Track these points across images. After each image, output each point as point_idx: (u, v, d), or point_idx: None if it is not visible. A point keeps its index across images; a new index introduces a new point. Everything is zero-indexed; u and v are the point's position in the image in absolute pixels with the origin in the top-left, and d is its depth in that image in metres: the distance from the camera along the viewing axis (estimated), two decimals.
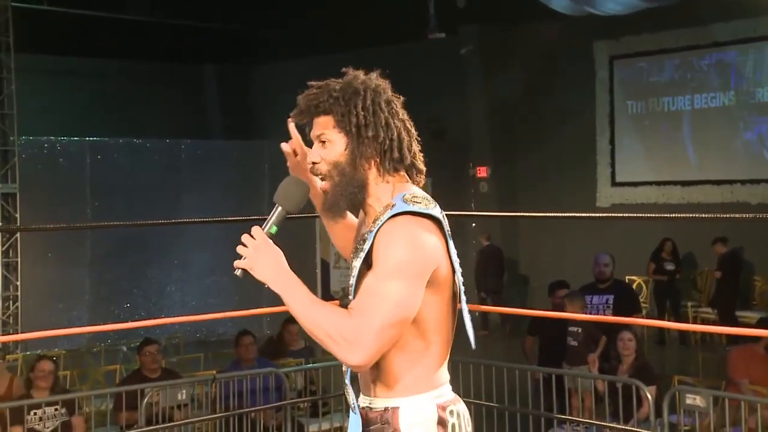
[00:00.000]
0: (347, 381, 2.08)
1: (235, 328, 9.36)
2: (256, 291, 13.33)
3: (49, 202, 11.20)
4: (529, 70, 12.93)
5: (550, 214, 9.48)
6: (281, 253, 1.96)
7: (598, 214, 10.97)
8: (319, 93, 2.02)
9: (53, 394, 5.91)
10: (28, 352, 9.74)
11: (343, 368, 2.05)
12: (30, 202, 11.18)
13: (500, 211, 11.86)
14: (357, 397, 2.07)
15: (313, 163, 2.03)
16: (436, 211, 1.98)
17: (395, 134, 2.00)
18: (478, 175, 13.35)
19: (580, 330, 6.64)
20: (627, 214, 10.61)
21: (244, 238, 1.95)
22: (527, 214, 10.80)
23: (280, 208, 2.00)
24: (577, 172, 12.67)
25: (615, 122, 12.67)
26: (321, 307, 1.92)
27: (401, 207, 1.94)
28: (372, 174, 2.01)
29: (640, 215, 9.88)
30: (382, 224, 1.93)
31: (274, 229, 1.99)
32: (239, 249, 1.96)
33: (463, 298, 2.07)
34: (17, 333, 10.60)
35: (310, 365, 6.66)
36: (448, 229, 2.01)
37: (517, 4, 11.25)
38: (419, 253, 1.90)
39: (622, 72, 12.62)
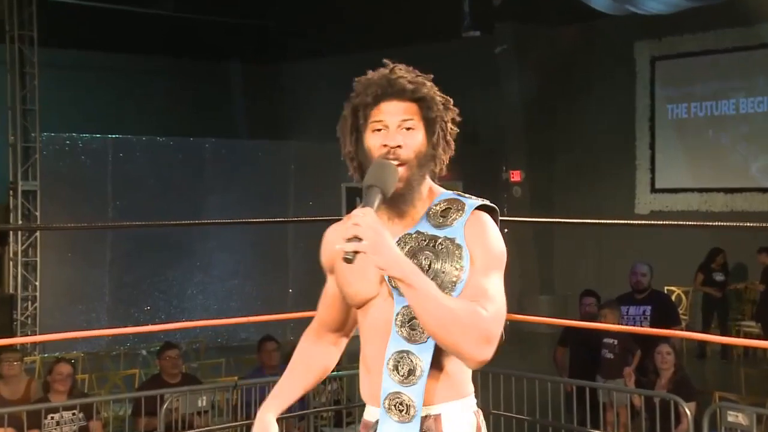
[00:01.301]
0: (402, 388, 1.96)
1: (257, 333, 9.40)
2: (280, 295, 13.41)
3: (69, 201, 11.32)
4: (566, 71, 12.87)
5: (586, 221, 9.41)
6: None
7: (636, 221, 10.89)
8: (418, 80, 2.04)
9: (71, 398, 5.96)
10: (46, 355, 9.84)
11: (392, 374, 1.96)
12: (51, 200, 11.31)
13: (534, 217, 11.79)
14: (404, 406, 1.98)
15: (397, 146, 1.99)
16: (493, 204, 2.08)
17: (452, 148, 2.09)
18: (512, 180, 13.30)
19: (615, 342, 6.61)
20: (667, 222, 10.54)
21: (356, 218, 1.85)
22: (562, 220, 10.75)
23: (377, 192, 1.93)
24: (615, 177, 12.59)
25: (656, 126, 12.59)
26: (452, 298, 1.90)
27: (473, 202, 2.02)
28: (426, 174, 2.06)
29: (681, 223, 9.82)
30: (467, 218, 1.98)
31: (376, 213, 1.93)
32: (352, 229, 1.82)
33: None
34: (35, 334, 10.72)
35: (335, 373, 6.67)
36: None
37: (555, 1, 11.22)
38: (504, 246, 2.01)
39: (664, 73, 12.53)
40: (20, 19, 11.40)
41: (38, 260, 11.35)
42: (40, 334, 10.66)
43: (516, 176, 13.30)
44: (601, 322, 6.63)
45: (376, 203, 1.91)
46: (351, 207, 13.45)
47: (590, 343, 6.77)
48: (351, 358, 1.94)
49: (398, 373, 1.97)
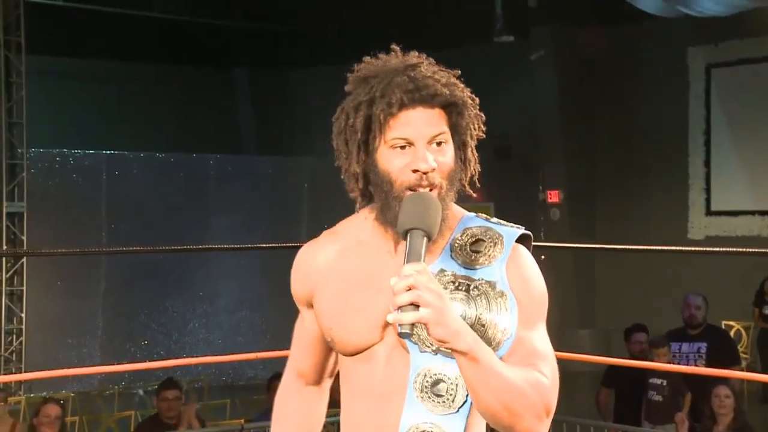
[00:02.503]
0: None
1: (267, 371, 9.41)
2: (292, 328, 13.29)
3: (59, 224, 11.41)
4: (610, 80, 12.87)
5: (632, 247, 9.39)
6: None
7: (689, 248, 10.82)
8: (449, 79, 1.84)
9: None
10: (32, 394, 9.89)
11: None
12: (38, 222, 11.39)
13: (574, 242, 11.76)
14: None
15: (431, 169, 1.77)
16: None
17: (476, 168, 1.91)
18: (549, 200, 13.27)
19: (665, 383, 6.58)
20: (724, 249, 10.45)
21: (411, 280, 1.59)
22: (606, 246, 10.73)
23: (422, 236, 1.69)
24: (666, 198, 12.54)
25: (711, 141, 12.53)
26: (511, 366, 1.71)
27: (509, 231, 1.82)
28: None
29: (741, 250, 9.71)
30: (507, 255, 1.78)
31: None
32: (412, 296, 1.59)
33: None
34: (20, 372, 10.77)
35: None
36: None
37: (597, 3, 11.23)
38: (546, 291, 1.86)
39: (721, 82, 12.49)
40: (5, 23, 11.48)
41: (24, 290, 11.41)
42: (25, 371, 10.72)
43: (554, 196, 13.26)
44: (651, 360, 6.60)
45: (423, 253, 1.67)
46: None
47: (639, 384, 6.74)
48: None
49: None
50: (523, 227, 1.86)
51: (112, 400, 9.49)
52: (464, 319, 1.72)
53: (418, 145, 1.77)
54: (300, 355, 2.05)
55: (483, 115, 1.89)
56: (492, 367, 1.65)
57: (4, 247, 11.18)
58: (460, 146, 1.83)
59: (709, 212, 12.50)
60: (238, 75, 16.32)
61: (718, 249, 10.44)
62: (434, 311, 1.59)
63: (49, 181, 11.78)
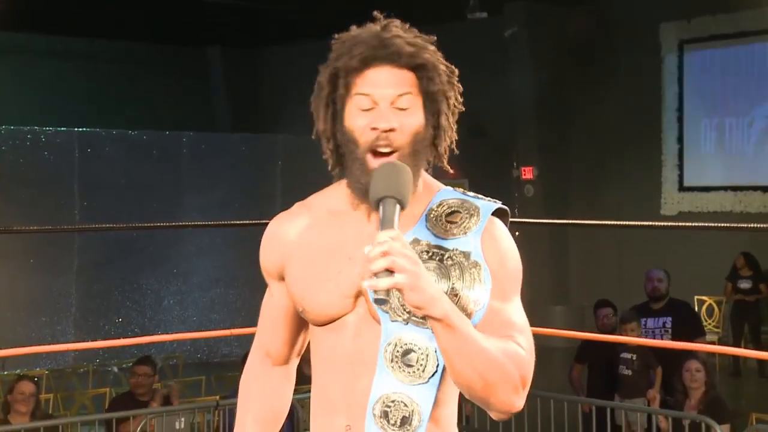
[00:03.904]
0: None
1: (241, 348, 9.43)
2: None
3: (31, 201, 11.33)
4: (583, 57, 12.89)
5: (606, 222, 9.47)
6: None
7: (662, 224, 10.91)
8: (418, 42, 1.80)
9: (34, 419, 5.98)
10: (5, 372, 9.86)
11: (380, 422, 1.76)
12: (10, 200, 11.31)
13: (548, 218, 11.82)
14: None
15: (390, 129, 1.76)
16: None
17: (455, 129, 1.86)
18: (523, 177, 13.32)
19: (634, 357, 6.64)
20: (697, 224, 10.55)
21: (386, 246, 1.58)
22: (580, 222, 10.78)
23: (395, 204, 1.67)
24: (639, 174, 12.61)
25: (684, 117, 12.61)
26: (492, 340, 1.68)
27: (487, 205, 1.81)
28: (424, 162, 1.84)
29: (712, 225, 9.84)
30: (483, 227, 1.77)
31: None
32: (387, 262, 1.57)
33: None
34: None
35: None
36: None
37: None
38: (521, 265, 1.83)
39: (694, 59, 12.55)
40: None
41: None
42: None
43: (528, 173, 13.31)
44: (623, 335, 6.66)
45: (396, 221, 1.64)
46: None
47: (610, 359, 6.80)
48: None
49: (388, 421, 1.74)
50: (500, 202, 1.84)
51: (87, 378, 9.48)
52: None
53: (381, 105, 1.76)
54: (268, 332, 2.03)
55: (461, 86, 1.86)
56: (469, 336, 1.63)
57: None
58: (433, 113, 1.80)
59: (681, 188, 12.59)
60: (212, 52, 16.24)
61: (690, 224, 10.54)
62: (409, 276, 1.57)
63: (20, 158, 11.69)
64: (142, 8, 14.28)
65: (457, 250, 1.74)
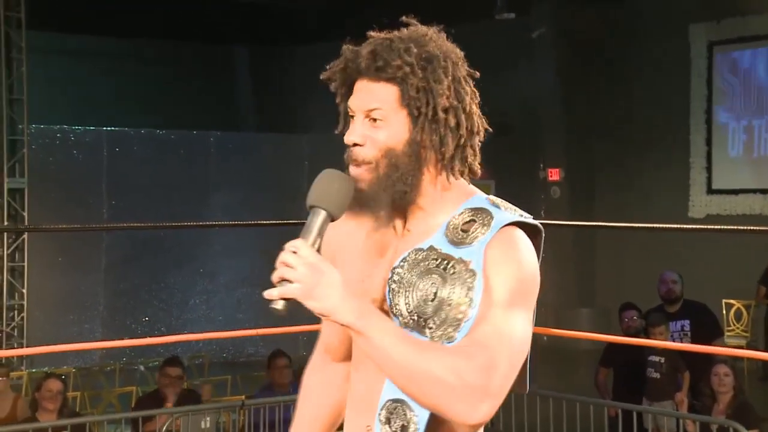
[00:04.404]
0: None
1: (267, 347, 9.43)
2: (293, 305, 13.30)
3: (60, 200, 11.41)
4: (611, 58, 12.82)
5: (633, 225, 9.40)
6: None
7: (690, 226, 10.83)
8: (384, 51, 1.75)
9: (61, 417, 6.02)
10: (34, 370, 9.92)
11: (384, 428, 1.76)
12: (39, 198, 11.39)
13: (574, 220, 11.76)
14: None
15: (354, 144, 1.76)
16: (536, 221, 1.82)
17: (476, 125, 1.79)
18: (550, 179, 13.27)
19: (663, 360, 6.59)
20: (725, 227, 10.46)
21: (287, 256, 1.63)
22: (606, 224, 10.71)
23: (322, 213, 1.71)
24: (667, 176, 12.52)
25: (713, 119, 12.51)
26: (425, 345, 1.66)
27: (504, 215, 1.75)
28: (432, 170, 1.78)
29: (741, 228, 9.70)
30: (490, 238, 1.72)
31: (318, 243, 1.70)
32: (282, 272, 1.62)
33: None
34: (22, 347, 10.81)
35: None
36: (542, 243, 1.84)
37: None
38: (537, 278, 1.75)
39: (724, 61, 12.45)
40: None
41: (26, 266, 11.42)
42: (27, 347, 10.75)
43: (554, 175, 13.26)
44: (651, 338, 6.61)
45: (315, 230, 1.68)
46: None
47: (635, 362, 6.75)
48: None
49: (390, 427, 1.74)
50: (529, 217, 1.80)
51: (113, 376, 9.53)
52: (435, 296, 1.71)
53: (356, 118, 1.77)
54: (327, 329, 2.05)
55: (451, 77, 1.77)
56: (388, 346, 1.61)
57: (5, 223, 11.19)
58: (429, 118, 1.74)
59: (710, 191, 12.49)
60: (238, 52, 16.27)
61: (718, 227, 10.45)
62: (303, 287, 1.60)
63: (49, 157, 11.78)
64: (170, 8, 14.34)
65: (461, 259, 1.72)
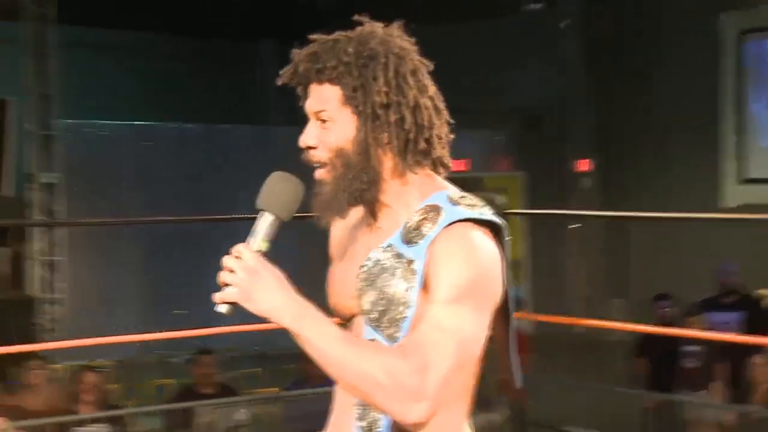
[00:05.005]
0: None
1: None
2: (322, 299, 13.37)
3: (93, 194, 11.48)
4: (640, 47, 12.74)
5: (665, 215, 9.29)
6: (282, 274, 1.69)
7: (723, 215, 10.73)
8: (323, 53, 1.78)
9: (99, 409, 6.06)
10: (72, 362, 9.99)
11: (359, 424, 1.77)
12: (73, 193, 11.47)
13: (605, 211, 11.71)
14: None
15: (308, 147, 1.80)
16: (496, 217, 1.76)
17: (425, 118, 1.76)
18: (580, 170, 13.23)
19: (699, 350, 6.55)
20: (759, 216, 10.37)
21: (228, 261, 1.67)
22: (638, 214, 10.64)
23: (269, 216, 1.73)
24: (698, 166, 12.44)
25: (744, 108, 12.40)
26: (361, 345, 1.67)
27: (456, 212, 1.71)
28: (388, 166, 1.77)
29: None
30: (435, 235, 1.70)
31: (264, 246, 1.72)
32: (223, 276, 1.66)
33: (512, 325, 1.84)
34: (60, 340, 10.88)
35: None
36: (508, 238, 1.79)
37: None
38: (489, 273, 1.70)
39: (754, 49, 12.34)
40: None
41: (62, 260, 11.49)
42: (65, 339, 10.82)
43: (584, 166, 13.22)
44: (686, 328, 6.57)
45: (261, 234, 1.71)
46: None
47: (670, 352, 6.72)
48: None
49: (361, 423, 1.77)
50: (489, 213, 1.75)
51: (151, 368, 9.58)
52: (384, 296, 1.71)
53: (310, 121, 1.81)
54: None
55: (393, 72, 1.75)
56: (325, 344, 1.63)
57: (40, 218, 11.27)
58: (371, 115, 1.74)
59: (742, 180, 12.40)
60: (265, 45, 16.28)
61: (752, 216, 10.33)
62: (240, 290, 1.64)
63: (83, 151, 11.85)
64: (199, 2, 14.40)
65: (409, 258, 1.71)
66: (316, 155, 1.79)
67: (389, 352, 1.65)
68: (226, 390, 6.80)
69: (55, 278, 11.43)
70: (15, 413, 5.63)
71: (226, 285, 1.66)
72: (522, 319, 9.41)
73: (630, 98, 13.06)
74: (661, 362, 6.92)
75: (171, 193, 11.62)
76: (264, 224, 1.72)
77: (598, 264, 12.76)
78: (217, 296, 1.68)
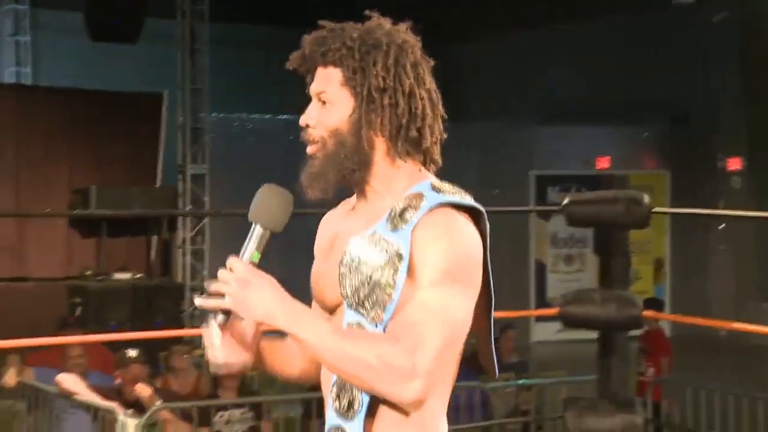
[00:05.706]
0: (342, 422, 1.80)
1: None
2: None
3: (239, 185, 11.77)
4: None
5: None
6: (274, 280, 1.76)
7: None
8: (329, 37, 1.86)
9: (240, 395, 6.22)
10: None
11: (335, 403, 1.81)
12: (220, 184, 11.81)
13: (756, 210, 11.31)
14: None
15: (306, 125, 1.88)
16: (476, 203, 1.82)
17: (419, 107, 1.81)
18: (729, 168, 12.86)
19: None
20: None
21: (222, 273, 1.74)
22: None
23: (259, 228, 1.80)
24: None
25: None
26: (354, 336, 1.74)
27: (437, 197, 1.78)
28: (380, 151, 1.83)
29: None
30: (418, 220, 1.75)
31: (256, 256, 1.79)
32: (218, 287, 1.74)
33: (491, 314, 1.88)
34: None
35: (522, 381, 6.66)
36: (488, 226, 1.83)
37: None
38: (472, 256, 1.76)
39: None
40: None
41: (207, 248, 11.87)
42: None
43: (734, 164, 12.86)
44: None
45: (253, 245, 1.79)
46: (540, 197, 13.37)
47: None
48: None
49: (339, 402, 1.81)
50: (469, 198, 1.81)
51: None
52: (370, 280, 1.75)
53: (312, 102, 1.88)
54: None
55: (393, 60, 1.81)
56: (319, 337, 1.70)
57: (188, 207, 11.66)
58: (366, 97, 1.81)
59: None
60: None
61: None
62: (233, 301, 1.72)
63: (230, 144, 12.18)
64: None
65: (394, 243, 1.76)
66: (312, 134, 1.87)
67: (381, 339, 1.72)
68: None
69: (199, 267, 11.81)
70: (161, 395, 5.85)
71: (219, 295, 1.73)
72: (661, 320, 9.18)
73: None
74: None
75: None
76: (255, 236, 1.80)
77: (750, 266, 12.38)
78: (207, 303, 1.75)
